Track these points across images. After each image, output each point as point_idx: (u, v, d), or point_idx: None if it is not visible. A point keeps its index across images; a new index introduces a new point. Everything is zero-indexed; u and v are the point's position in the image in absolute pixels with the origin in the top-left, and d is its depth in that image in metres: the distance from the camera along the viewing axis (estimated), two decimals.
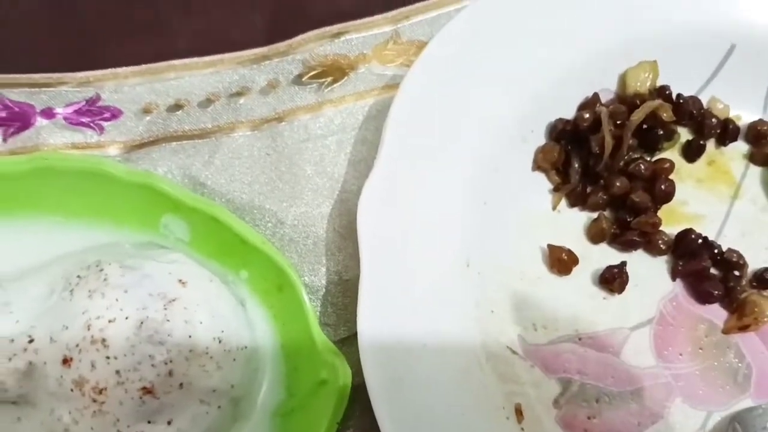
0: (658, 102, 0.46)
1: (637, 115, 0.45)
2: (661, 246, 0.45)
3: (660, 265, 0.45)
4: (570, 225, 0.46)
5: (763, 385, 0.42)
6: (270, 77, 0.47)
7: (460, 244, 0.42)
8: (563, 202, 0.46)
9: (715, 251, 0.44)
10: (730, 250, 0.44)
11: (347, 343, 0.41)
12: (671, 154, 0.47)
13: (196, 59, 0.47)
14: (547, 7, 0.46)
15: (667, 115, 0.45)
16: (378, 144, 0.41)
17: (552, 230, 0.45)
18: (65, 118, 0.46)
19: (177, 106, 0.46)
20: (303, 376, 0.39)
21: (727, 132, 0.48)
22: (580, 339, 0.43)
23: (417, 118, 0.42)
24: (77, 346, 0.35)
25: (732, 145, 0.48)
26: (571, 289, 0.44)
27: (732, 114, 0.48)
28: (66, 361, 0.35)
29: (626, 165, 0.45)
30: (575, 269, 0.44)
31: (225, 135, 0.46)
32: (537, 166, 0.46)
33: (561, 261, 0.44)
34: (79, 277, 0.38)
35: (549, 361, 0.42)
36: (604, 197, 0.46)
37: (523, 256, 0.44)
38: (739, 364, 0.43)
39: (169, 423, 0.36)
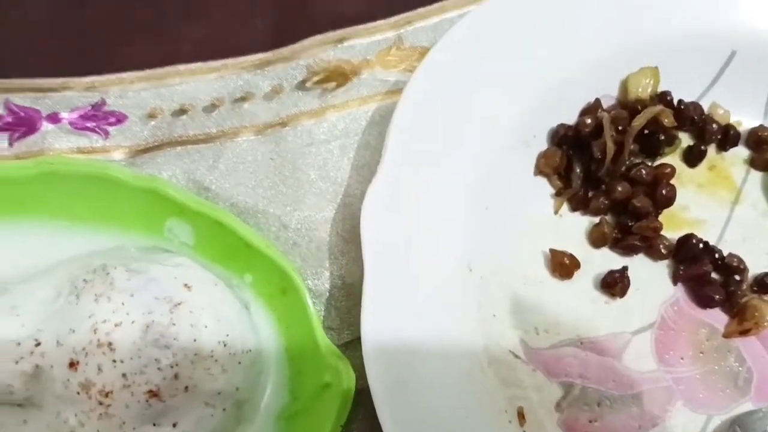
0: (659, 108, 0.46)
1: (639, 121, 0.45)
2: (663, 251, 0.45)
3: (661, 269, 0.45)
4: (572, 229, 0.46)
5: (764, 389, 0.42)
6: (274, 82, 0.47)
7: (463, 249, 0.42)
8: (565, 207, 0.46)
9: (716, 256, 0.45)
10: (730, 254, 0.45)
11: (350, 346, 0.42)
12: (672, 159, 0.48)
13: (200, 64, 0.47)
14: (549, 14, 0.46)
15: (668, 120, 0.46)
16: (381, 149, 0.42)
17: (554, 235, 0.45)
18: (71, 123, 0.46)
19: (182, 111, 0.47)
20: (307, 379, 0.40)
21: (727, 137, 0.48)
22: (581, 343, 0.43)
23: (420, 124, 0.42)
24: (84, 349, 0.36)
25: (733, 151, 0.48)
26: (573, 294, 0.44)
27: (733, 119, 0.49)
28: (73, 365, 0.36)
29: (628, 170, 0.45)
30: (577, 273, 0.45)
31: (229, 140, 0.46)
32: (539, 170, 0.46)
33: (563, 265, 0.44)
34: (85, 281, 0.38)
35: (551, 365, 0.42)
36: (606, 202, 0.46)
37: (525, 261, 0.45)
38: (740, 368, 0.43)
39: (174, 425, 0.36)
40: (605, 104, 0.47)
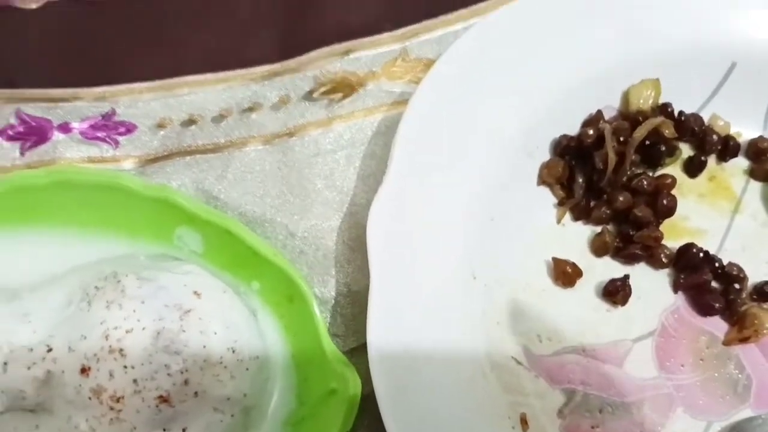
0: (660, 119, 0.46)
1: (640, 132, 0.46)
2: (663, 259, 0.45)
3: (662, 278, 0.46)
4: (574, 238, 0.46)
5: (763, 396, 0.43)
6: (281, 93, 0.48)
7: (467, 257, 0.42)
8: (567, 216, 0.47)
9: (716, 265, 0.45)
10: (730, 263, 0.45)
11: (356, 353, 0.42)
12: (673, 169, 0.48)
13: (209, 75, 0.48)
14: (552, 27, 0.46)
15: (669, 131, 0.46)
16: (386, 159, 0.42)
17: (556, 243, 0.46)
18: (81, 133, 0.46)
19: (190, 121, 0.47)
20: (313, 385, 0.40)
21: (727, 148, 0.48)
22: (583, 350, 0.43)
23: (425, 134, 0.43)
24: (95, 355, 0.36)
25: (733, 161, 0.49)
26: (575, 302, 0.45)
27: (732, 131, 0.49)
28: (84, 370, 0.36)
29: (629, 180, 0.46)
30: (579, 282, 0.45)
31: (237, 149, 0.46)
32: (542, 180, 0.47)
33: (565, 274, 0.45)
34: (96, 288, 0.38)
35: (553, 371, 0.43)
36: (608, 212, 0.46)
37: (528, 269, 0.45)
38: (740, 375, 0.43)
39: (183, 431, 0.37)
40: (607, 115, 0.48)
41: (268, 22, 0.50)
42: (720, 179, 0.48)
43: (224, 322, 0.38)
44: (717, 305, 0.44)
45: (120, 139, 0.47)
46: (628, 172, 0.46)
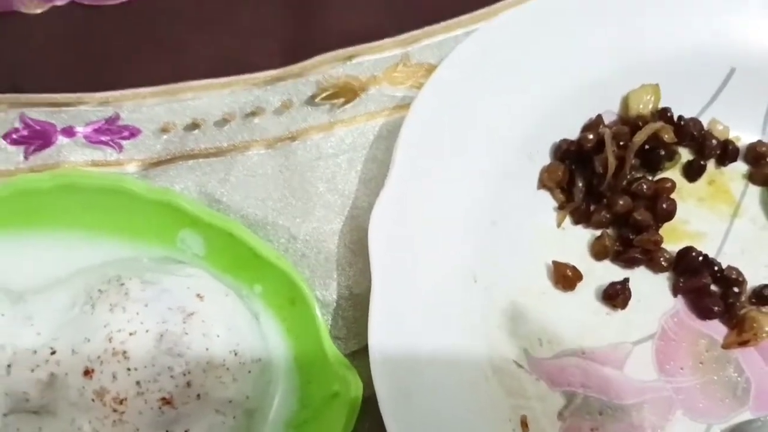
0: (659, 124, 0.46)
1: (640, 137, 0.46)
2: (663, 263, 0.45)
3: (662, 281, 0.46)
4: (574, 242, 0.46)
5: (762, 399, 0.43)
6: (284, 98, 0.48)
7: (468, 260, 0.43)
8: (568, 220, 0.47)
9: (716, 268, 0.45)
10: (729, 267, 0.45)
11: (357, 356, 0.42)
12: (672, 173, 0.48)
13: (212, 80, 0.48)
14: (552, 33, 0.47)
15: (668, 136, 0.46)
16: (388, 163, 0.42)
17: (557, 247, 0.46)
18: (85, 137, 0.47)
19: (194, 126, 0.47)
20: (315, 388, 0.40)
21: (726, 153, 0.48)
22: (583, 353, 0.43)
23: (427, 139, 0.43)
24: (99, 357, 0.36)
25: (732, 166, 0.49)
26: (576, 305, 0.45)
27: (731, 135, 0.49)
28: (87, 373, 0.36)
29: (629, 184, 0.46)
30: (579, 285, 0.45)
31: (240, 153, 0.47)
32: (542, 184, 0.47)
33: (566, 277, 0.45)
34: (100, 291, 0.38)
35: (554, 374, 0.43)
36: (608, 215, 0.46)
37: (528, 272, 0.45)
38: (739, 378, 0.43)
39: None
40: (607, 120, 0.48)
41: (271, 28, 0.50)
42: (719, 183, 0.49)
43: (227, 324, 0.39)
44: (716, 309, 0.44)
45: (124, 143, 0.47)
46: (628, 176, 0.46)
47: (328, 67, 0.49)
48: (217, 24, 0.50)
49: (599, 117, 0.48)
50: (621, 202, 0.46)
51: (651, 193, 0.46)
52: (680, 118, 0.48)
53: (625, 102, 0.48)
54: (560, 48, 0.47)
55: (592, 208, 0.47)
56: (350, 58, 0.49)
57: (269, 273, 0.41)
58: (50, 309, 0.39)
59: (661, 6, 0.48)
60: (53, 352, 0.37)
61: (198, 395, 0.37)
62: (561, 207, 0.47)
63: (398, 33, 0.50)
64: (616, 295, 0.44)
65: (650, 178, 0.47)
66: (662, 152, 0.47)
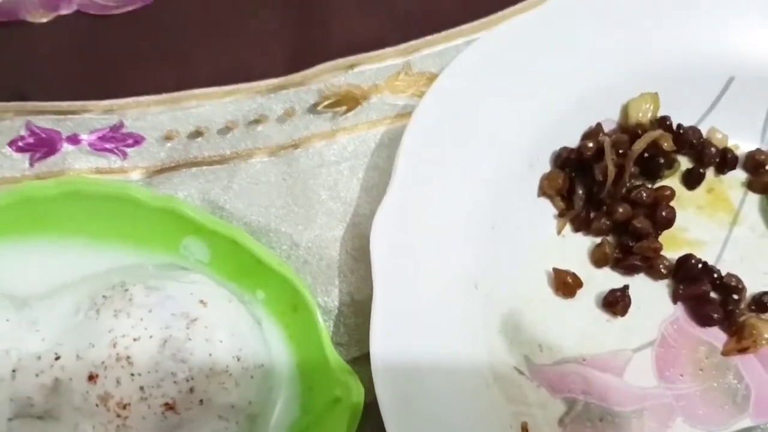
0: (659, 132, 0.46)
1: (639, 145, 0.46)
2: (663, 270, 0.45)
3: (661, 288, 0.46)
4: (574, 249, 0.47)
5: (762, 406, 0.43)
6: (286, 106, 0.48)
7: (469, 267, 0.43)
8: (568, 228, 0.47)
9: (715, 276, 0.45)
10: (729, 274, 0.45)
11: (358, 362, 0.42)
12: (672, 181, 0.48)
13: (215, 88, 0.48)
14: (552, 42, 0.47)
15: (667, 144, 0.46)
16: (389, 170, 0.42)
17: (557, 254, 0.46)
18: (90, 144, 0.47)
19: (197, 133, 0.48)
20: (317, 394, 0.40)
21: (725, 161, 0.48)
22: (584, 360, 0.44)
23: (428, 147, 0.43)
24: (103, 363, 0.36)
25: (731, 174, 0.49)
26: (576, 312, 0.45)
27: (730, 143, 0.49)
28: (92, 378, 0.37)
29: (628, 192, 0.46)
30: (579, 292, 0.45)
31: (243, 161, 0.47)
32: (542, 192, 0.47)
33: (566, 284, 0.45)
34: (104, 297, 0.39)
35: (554, 381, 0.43)
36: (607, 223, 0.46)
37: (529, 279, 0.45)
38: (738, 385, 0.43)
39: None
40: (606, 128, 0.48)
41: (274, 37, 0.50)
42: (718, 191, 0.49)
43: (230, 330, 0.39)
44: (716, 316, 0.44)
45: (128, 150, 0.47)
46: (628, 184, 0.46)
47: (330, 76, 0.49)
48: (220, 33, 0.50)
49: (599, 125, 0.48)
50: (621, 210, 0.46)
51: (650, 201, 0.46)
52: (679, 126, 0.48)
53: (625, 110, 0.48)
54: (560, 57, 0.47)
55: (592, 215, 0.47)
56: (352, 66, 0.49)
57: (272, 279, 0.41)
58: (55, 315, 0.39)
59: (661, 16, 0.48)
60: (58, 358, 0.37)
61: (201, 401, 0.37)
62: (561, 214, 0.47)
63: (400, 42, 0.50)
64: (616, 302, 0.45)
65: (650, 186, 0.47)
66: (661, 160, 0.47)
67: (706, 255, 0.46)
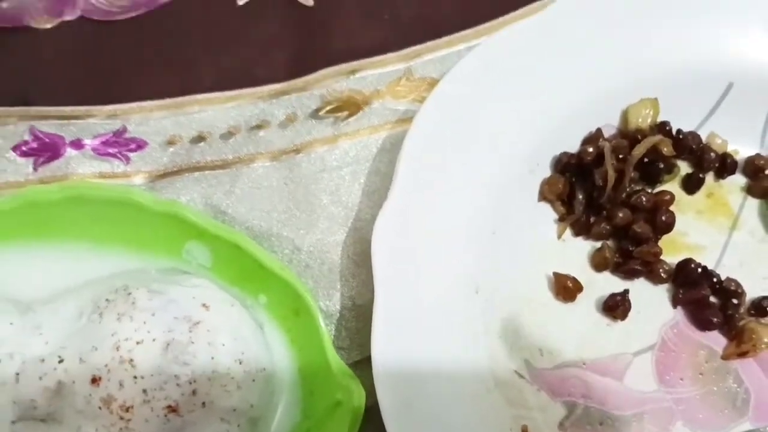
0: (658, 137, 0.47)
1: (639, 150, 0.46)
2: (663, 275, 0.46)
3: (661, 293, 0.46)
4: (575, 254, 0.47)
5: (761, 409, 0.43)
6: (288, 111, 0.49)
7: (470, 272, 0.43)
8: (568, 232, 0.47)
9: (715, 280, 0.45)
10: (728, 279, 0.45)
11: (359, 365, 0.42)
12: (672, 186, 0.48)
13: (218, 94, 0.49)
14: (553, 48, 0.47)
15: (667, 149, 0.46)
16: (391, 175, 0.43)
17: (557, 259, 0.46)
18: (93, 149, 0.47)
19: (200, 138, 0.48)
20: (318, 398, 0.40)
21: (725, 166, 0.48)
22: (584, 364, 0.44)
23: (429, 152, 0.44)
24: (106, 366, 0.37)
25: (730, 179, 0.49)
26: (576, 316, 0.45)
27: (730, 148, 0.49)
28: (95, 381, 0.37)
29: (628, 197, 0.46)
30: (580, 296, 0.45)
31: (245, 166, 0.47)
32: (543, 197, 0.47)
33: (566, 288, 0.45)
34: (107, 300, 0.39)
35: (555, 385, 0.43)
36: (607, 227, 0.46)
37: (529, 284, 0.45)
38: (738, 389, 0.43)
39: None
40: (606, 134, 0.48)
41: (277, 42, 0.51)
42: (718, 196, 0.49)
43: (232, 334, 0.39)
44: (715, 320, 0.44)
45: (131, 155, 0.47)
46: (628, 189, 0.46)
47: (332, 81, 0.49)
48: (223, 39, 0.51)
49: (599, 130, 0.48)
50: (621, 215, 0.46)
51: (650, 206, 0.46)
52: (679, 131, 0.48)
53: (625, 116, 0.48)
54: (561, 63, 0.47)
55: (592, 220, 0.47)
56: (354, 72, 0.50)
57: (274, 284, 0.41)
58: (58, 319, 0.39)
59: (660, 22, 0.49)
60: (61, 361, 0.37)
61: (203, 403, 0.37)
62: (561, 219, 0.47)
63: (401, 48, 0.51)
64: (616, 307, 0.45)
65: (649, 190, 0.47)
66: (661, 165, 0.47)
67: (706, 259, 0.46)
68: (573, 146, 0.48)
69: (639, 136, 0.47)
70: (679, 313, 0.46)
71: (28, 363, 0.37)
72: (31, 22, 0.50)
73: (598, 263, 0.46)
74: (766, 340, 0.44)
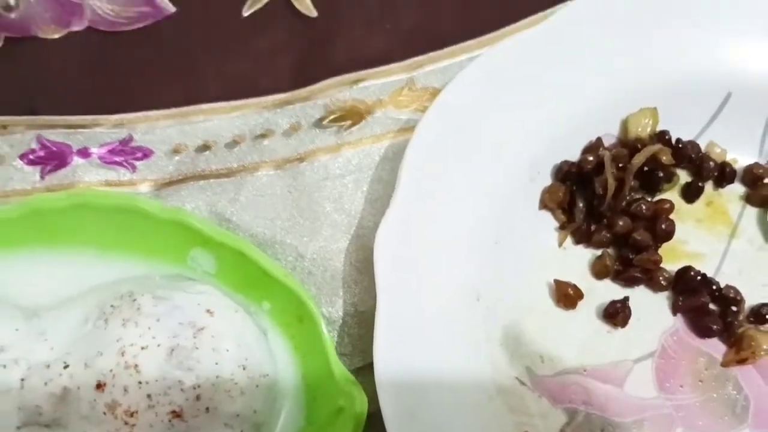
0: (658, 146, 0.47)
1: (638, 159, 0.46)
2: (662, 282, 0.46)
3: (661, 300, 0.46)
4: (575, 261, 0.47)
5: (761, 416, 0.43)
6: (292, 120, 0.49)
7: (471, 279, 0.43)
8: (569, 240, 0.47)
9: (714, 288, 0.45)
10: (728, 286, 0.45)
11: (362, 372, 0.43)
12: (671, 195, 0.48)
13: (223, 103, 0.49)
14: (553, 59, 0.47)
15: (666, 158, 0.47)
16: (393, 183, 0.43)
17: (558, 266, 0.46)
18: (100, 158, 0.48)
19: (205, 147, 0.48)
20: (321, 404, 0.41)
21: (724, 174, 0.49)
22: (585, 371, 0.44)
23: (431, 160, 0.44)
24: (111, 371, 0.37)
25: (729, 187, 0.49)
26: (577, 323, 0.45)
27: (729, 157, 0.49)
28: (100, 386, 0.37)
29: (628, 205, 0.46)
30: (580, 304, 0.46)
31: (249, 174, 0.47)
32: (544, 205, 0.47)
33: (567, 296, 0.45)
34: (113, 306, 0.39)
35: (556, 392, 0.43)
36: (608, 235, 0.46)
37: (530, 291, 0.46)
38: (738, 396, 0.43)
39: None
40: (606, 143, 0.48)
41: (281, 53, 0.51)
42: (717, 204, 0.49)
43: (236, 340, 0.39)
44: (715, 327, 0.45)
45: (137, 163, 0.48)
46: (628, 198, 0.47)
47: (336, 91, 0.50)
48: (227, 49, 0.51)
49: (599, 140, 0.48)
50: (621, 223, 0.46)
51: (650, 214, 0.46)
52: (678, 140, 0.48)
53: (624, 125, 0.49)
54: (561, 73, 0.48)
55: (592, 228, 0.47)
56: (357, 82, 0.50)
57: (277, 290, 0.42)
58: (64, 324, 0.39)
59: (659, 32, 0.49)
60: (66, 366, 0.38)
61: (207, 408, 0.37)
62: (562, 227, 0.48)
63: (404, 58, 0.51)
64: (616, 314, 0.45)
65: (649, 199, 0.48)
66: (661, 174, 0.47)
67: (705, 267, 0.46)
68: (573, 155, 0.48)
69: (639, 145, 0.47)
70: (678, 321, 0.46)
71: (33, 369, 0.38)
72: (38, 33, 0.51)
73: (599, 271, 0.47)
74: (765, 347, 0.44)
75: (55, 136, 0.48)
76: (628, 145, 0.48)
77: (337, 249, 0.46)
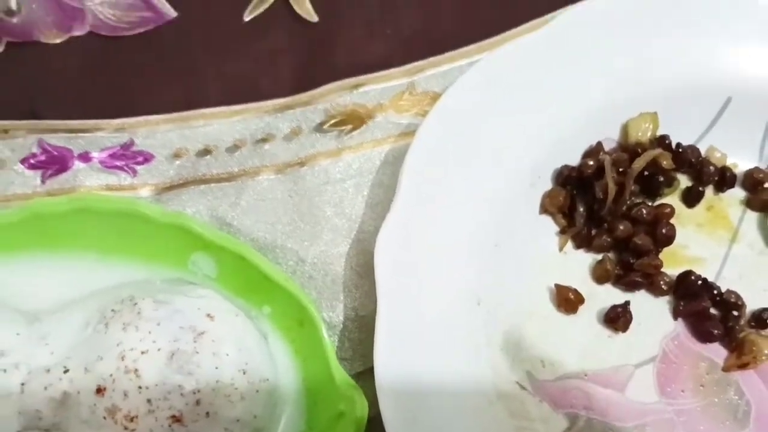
0: (658, 150, 0.47)
1: (639, 163, 0.46)
2: (663, 287, 0.46)
3: (662, 305, 0.46)
4: (576, 266, 0.47)
5: (762, 421, 0.43)
6: (293, 125, 0.49)
7: (472, 284, 0.43)
8: (569, 244, 0.48)
9: (715, 292, 0.45)
10: (729, 291, 0.45)
11: (362, 376, 0.43)
12: (672, 199, 0.48)
13: (223, 108, 0.49)
14: (553, 64, 0.47)
15: (667, 162, 0.47)
16: (394, 188, 0.43)
17: (559, 271, 0.46)
18: (101, 162, 0.48)
19: (206, 151, 0.48)
20: (322, 409, 0.41)
21: (724, 179, 0.49)
22: (586, 375, 0.44)
23: (431, 165, 0.44)
24: (111, 375, 0.37)
25: (729, 192, 0.49)
26: (577, 328, 0.45)
27: (729, 162, 0.49)
28: (100, 390, 0.37)
29: (629, 210, 0.46)
30: (581, 308, 0.46)
31: (250, 178, 0.47)
32: (544, 209, 0.48)
33: (568, 300, 0.45)
34: (113, 310, 0.39)
35: (557, 396, 0.43)
36: (608, 240, 0.47)
37: (531, 296, 0.46)
38: (739, 401, 0.43)
39: None
40: (607, 147, 0.48)
41: (282, 57, 0.51)
42: (717, 209, 0.49)
43: (236, 344, 0.39)
44: (716, 332, 0.45)
45: (138, 168, 0.48)
46: (628, 202, 0.47)
47: (336, 96, 0.50)
48: (228, 54, 0.51)
49: (599, 144, 0.48)
50: (621, 227, 0.46)
51: (651, 219, 0.46)
52: (678, 145, 0.48)
53: (625, 129, 0.49)
54: (561, 78, 0.48)
55: (593, 232, 0.47)
56: (357, 86, 0.50)
57: (278, 295, 0.42)
58: (64, 329, 0.39)
59: (659, 37, 0.49)
60: (66, 371, 0.38)
61: (207, 413, 0.37)
62: (563, 231, 0.48)
63: (404, 63, 0.51)
64: (617, 318, 0.45)
65: (650, 203, 0.48)
66: (661, 178, 0.47)
67: (706, 272, 0.46)
68: (574, 159, 0.48)
69: (639, 150, 0.47)
70: (680, 325, 0.46)
71: (33, 373, 0.38)
72: (40, 37, 0.51)
73: (600, 275, 0.47)
74: (766, 351, 0.44)
75: (56, 140, 0.48)
76: (629, 150, 0.48)
77: (337, 253, 0.46)
